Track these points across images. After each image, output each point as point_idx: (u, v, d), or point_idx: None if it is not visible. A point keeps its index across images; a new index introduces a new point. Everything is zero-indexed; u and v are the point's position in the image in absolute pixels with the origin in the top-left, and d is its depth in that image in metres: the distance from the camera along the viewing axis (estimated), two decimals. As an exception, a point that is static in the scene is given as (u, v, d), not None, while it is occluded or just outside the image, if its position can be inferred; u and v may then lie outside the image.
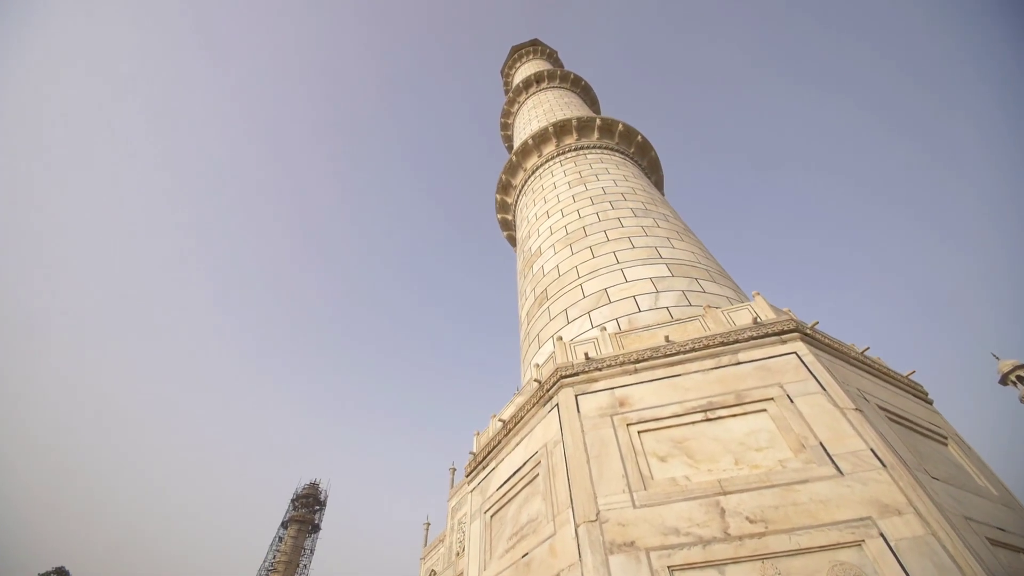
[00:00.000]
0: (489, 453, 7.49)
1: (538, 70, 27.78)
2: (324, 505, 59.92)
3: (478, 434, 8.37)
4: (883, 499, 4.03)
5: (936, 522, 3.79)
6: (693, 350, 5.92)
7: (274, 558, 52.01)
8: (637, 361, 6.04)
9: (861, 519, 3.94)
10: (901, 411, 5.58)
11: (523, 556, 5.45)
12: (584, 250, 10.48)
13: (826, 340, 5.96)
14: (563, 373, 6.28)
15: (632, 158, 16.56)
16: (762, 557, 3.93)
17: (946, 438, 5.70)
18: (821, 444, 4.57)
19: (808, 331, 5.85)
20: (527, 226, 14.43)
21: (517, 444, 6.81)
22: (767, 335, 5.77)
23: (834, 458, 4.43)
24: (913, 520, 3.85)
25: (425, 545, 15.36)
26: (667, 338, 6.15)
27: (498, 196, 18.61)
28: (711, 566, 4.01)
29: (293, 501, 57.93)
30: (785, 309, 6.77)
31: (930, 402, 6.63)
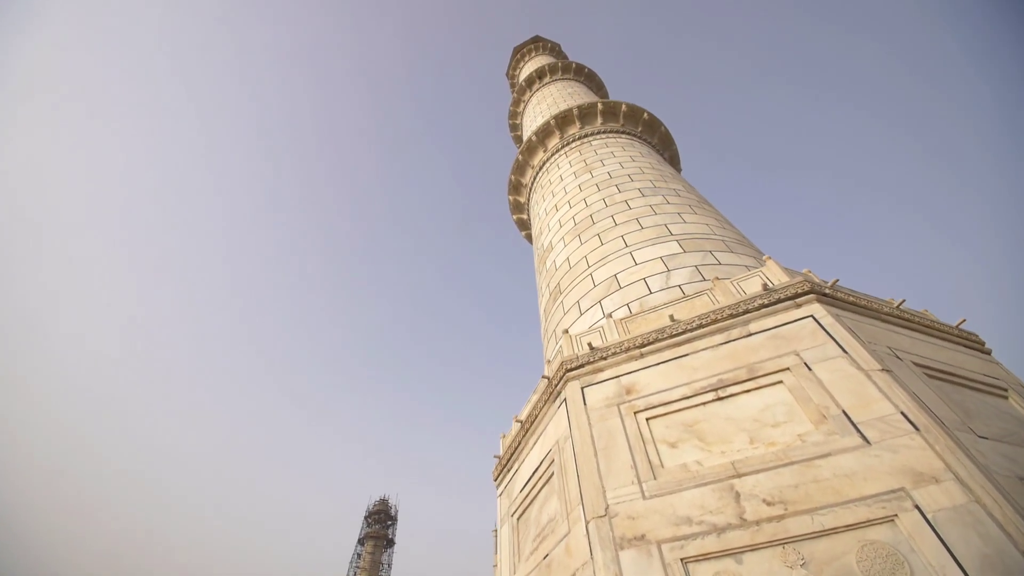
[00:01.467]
0: (512, 455, 7.42)
1: (539, 66, 27.56)
2: (395, 520, 61.88)
3: (503, 436, 8.32)
4: (917, 467, 3.58)
5: (981, 487, 3.32)
6: (701, 326, 5.57)
7: (355, 575, 54.25)
8: (642, 345, 5.77)
9: (892, 491, 3.52)
10: (946, 365, 4.96)
11: (544, 557, 5.33)
12: (592, 238, 10.21)
13: (850, 298, 5.42)
14: (568, 367, 6.11)
15: (641, 137, 16.00)
16: (782, 542, 3.61)
17: (1005, 390, 5.00)
18: (844, 412, 4.14)
19: (828, 290, 5.35)
20: (539, 222, 14.28)
21: (534, 444, 6.69)
22: (780, 300, 5.33)
23: (859, 426, 4.00)
24: (953, 487, 3.39)
25: (496, 552, 15.47)
26: (672, 317, 5.83)
27: (510, 197, 18.57)
28: (727, 555, 3.72)
29: (366, 518, 60.26)
30: (805, 271, 6.25)
31: (987, 352, 5.84)
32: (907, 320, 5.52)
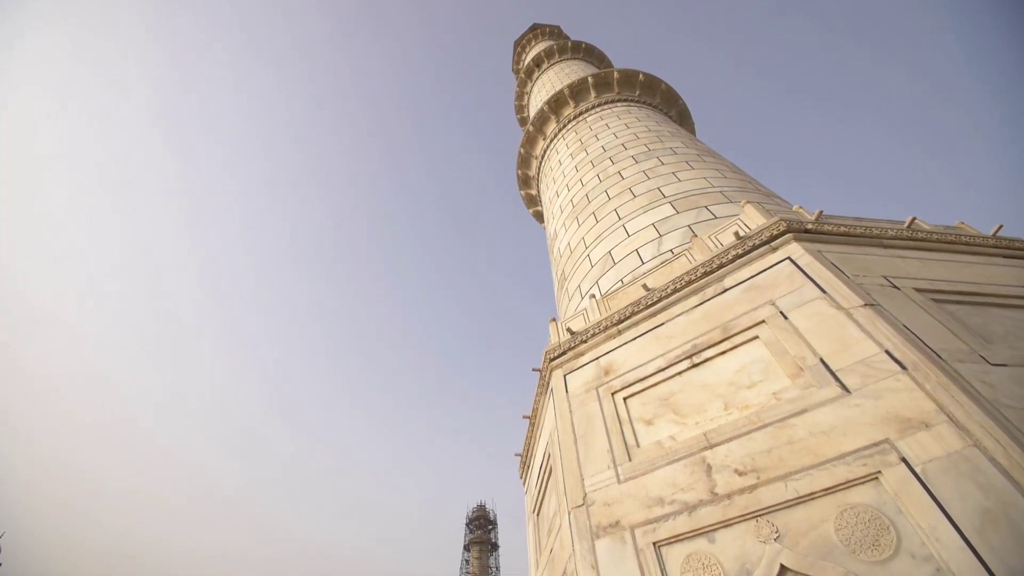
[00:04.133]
0: (527, 453, 7.35)
1: (536, 54, 27.09)
2: (495, 524, 63.39)
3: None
4: (904, 412, 3.05)
5: (980, 427, 2.75)
6: (676, 291, 5.16)
7: (466, 581, 56.33)
8: (619, 322, 5.46)
9: (875, 445, 3.03)
10: (968, 284, 4.15)
11: (550, 552, 5.22)
12: (588, 218, 9.85)
13: (841, 228, 4.74)
14: (551, 356, 5.94)
15: (640, 101, 15.16)
16: (755, 515, 3.24)
17: (1051, 302, 4.07)
18: (822, 361, 3.63)
19: (810, 225, 4.72)
20: (547, 212, 14.03)
21: (538, 439, 6.59)
22: (754, 247, 4.79)
23: (838, 374, 3.48)
24: (946, 431, 2.84)
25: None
26: (645, 286, 5.47)
27: (522, 192, 18.43)
28: (699, 535, 3.42)
29: (467, 525, 62.36)
30: (796, 207, 5.58)
31: (1037, 258, 4.79)
32: (920, 240, 4.71)
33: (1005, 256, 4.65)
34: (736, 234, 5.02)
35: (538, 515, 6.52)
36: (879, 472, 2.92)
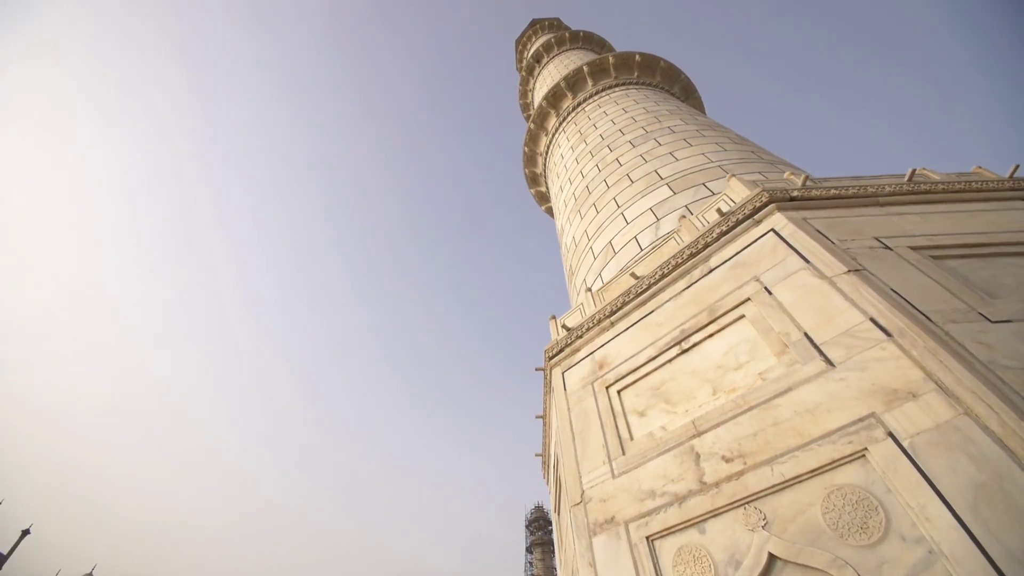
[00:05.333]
0: (546, 454, 7.35)
1: (536, 50, 26.93)
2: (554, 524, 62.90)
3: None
4: (890, 383, 2.84)
5: (972, 393, 2.52)
6: (664, 276, 5.02)
7: (531, 582, 56.57)
8: (612, 313, 5.37)
9: (860, 420, 2.84)
10: (974, 235, 3.78)
11: (564, 553, 5.21)
12: (589, 209, 9.71)
13: (831, 191, 4.44)
14: (550, 354, 5.92)
15: (639, 83, 14.77)
16: (743, 502, 3.12)
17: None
18: (806, 335, 3.43)
19: (796, 193, 4.46)
20: (555, 207, 13.93)
21: (551, 439, 6.57)
22: (738, 222, 4.58)
23: (822, 347, 3.28)
24: (935, 400, 2.62)
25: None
26: (634, 275, 5.35)
27: (532, 191, 18.38)
28: (690, 526, 3.32)
29: (527, 527, 62.54)
30: (787, 174, 5.29)
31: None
32: (922, 193, 4.33)
33: (1024, 198, 4.20)
34: (719, 211, 4.82)
35: (558, 515, 6.50)
36: (865, 449, 2.73)
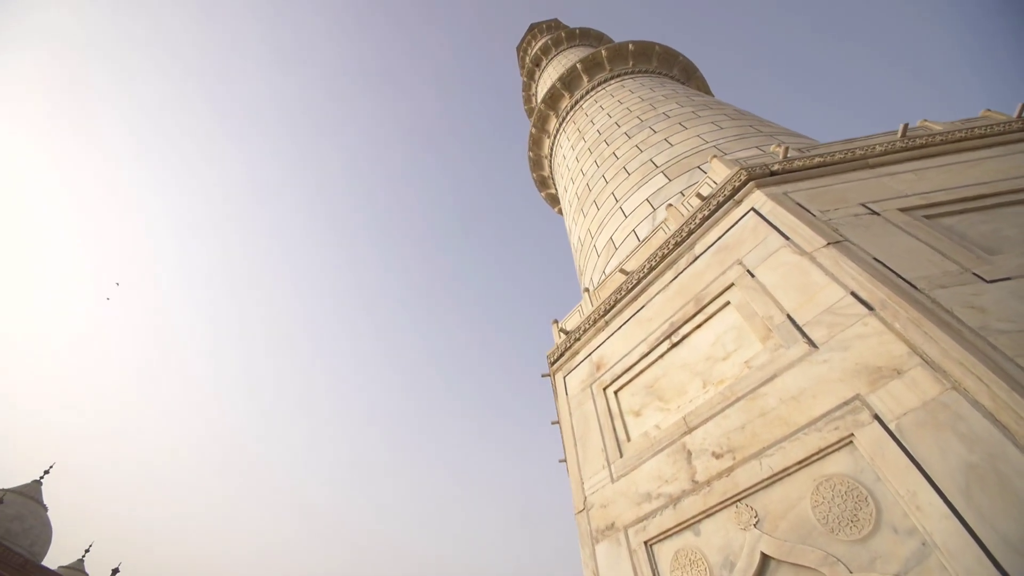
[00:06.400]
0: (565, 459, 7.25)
1: (535, 54, 26.99)
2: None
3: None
4: (873, 360, 2.63)
5: (959, 364, 2.29)
6: (652, 268, 4.88)
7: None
8: (605, 312, 5.26)
9: (846, 403, 2.65)
10: (977, 184, 3.44)
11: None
12: (591, 207, 9.59)
13: (815, 160, 4.19)
14: (551, 360, 5.87)
15: (635, 72, 14.49)
16: (734, 500, 2.97)
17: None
18: (789, 316, 3.24)
19: (776, 167, 4.23)
20: (563, 209, 13.84)
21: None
22: (719, 205, 4.39)
23: (804, 329, 3.09)
24: (921, 376, 2.41)
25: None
26: (622, 271, 5.23)
27: (543, 193, 18.35)
28: (685, 528, 3.20)
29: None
30: (773, 147, 5.04)
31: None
32: (917, 148, 4.00)
33: (1037, 138, 3.79)
34: (699, 195, 4.65)
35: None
36: (851, 435, 2.54)
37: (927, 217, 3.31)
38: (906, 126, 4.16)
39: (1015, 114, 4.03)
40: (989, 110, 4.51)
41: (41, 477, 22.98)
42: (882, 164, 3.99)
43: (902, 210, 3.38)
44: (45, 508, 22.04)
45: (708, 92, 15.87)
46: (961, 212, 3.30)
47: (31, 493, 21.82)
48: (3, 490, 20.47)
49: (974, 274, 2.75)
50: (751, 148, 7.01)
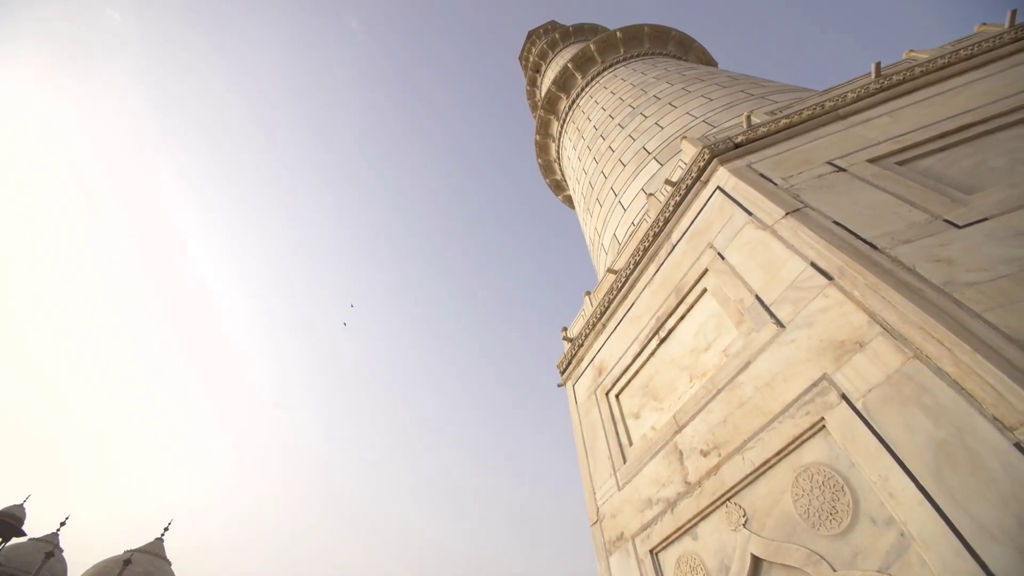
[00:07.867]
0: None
1: (534, 61, 27.15)
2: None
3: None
4: (836, 334, 2.43)
5: (920, 329, 2.07)
6: (636, 264, 4.75)
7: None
8: (601, 315, 5.18)
9: (814, 385, 2.46)
10: (960, 115, 3.05)
11: (619, 570, 4.96)
12: (595, 205, 9.46)
13: (781, 123, 3.92)
14: (560, 370, 5.83)
15: (628, 59, 14.17)
16: (724, 499, 2.83)
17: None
18: (757, 297, 3.05)
19: (740, 138, 4.01)
20: (576, 210, 13.72)
21: (592, 450, 6.35)
22: (688, 188, 4.22)
23: (771, 308, 2.90)
24: (882, 347, 2.20)
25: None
26: (611, 270, 5.13)
27: (559, 196, 18.27)
28: (684, 532, 3.09)
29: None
30: (745, 113, 4.78)
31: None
32: (893, 87, 3.62)
33: (1032, 47, 3.31)
34: (668, 180, 4.49)
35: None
36: (823, 419, 2.36)
37: (900, 163, 3.00)
38: (879, 65, 3.80)
39: (1006, 23, 3.56)
40: (985, 24, 4.01)
41: (162, 534, 25.67)
42: (855, 112, 3.67)
43: (871, 160, 3.09)
44: (169, 563, 24.54)
45: (710, 61, 15.15)
46: (941, 150, 2.96)
47: (155, 550, 24.38)
48: (129, 551, 22.98)
49: (945, 220, 2.46)
50: (740, 116, 6.64)
